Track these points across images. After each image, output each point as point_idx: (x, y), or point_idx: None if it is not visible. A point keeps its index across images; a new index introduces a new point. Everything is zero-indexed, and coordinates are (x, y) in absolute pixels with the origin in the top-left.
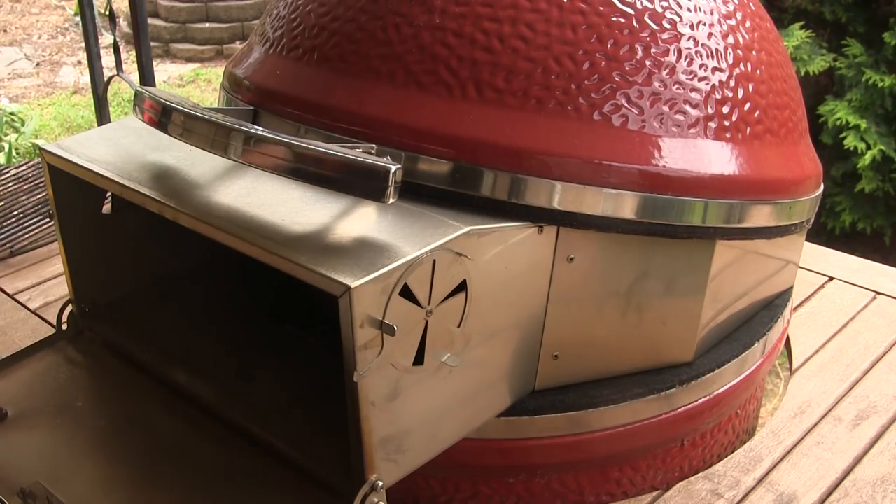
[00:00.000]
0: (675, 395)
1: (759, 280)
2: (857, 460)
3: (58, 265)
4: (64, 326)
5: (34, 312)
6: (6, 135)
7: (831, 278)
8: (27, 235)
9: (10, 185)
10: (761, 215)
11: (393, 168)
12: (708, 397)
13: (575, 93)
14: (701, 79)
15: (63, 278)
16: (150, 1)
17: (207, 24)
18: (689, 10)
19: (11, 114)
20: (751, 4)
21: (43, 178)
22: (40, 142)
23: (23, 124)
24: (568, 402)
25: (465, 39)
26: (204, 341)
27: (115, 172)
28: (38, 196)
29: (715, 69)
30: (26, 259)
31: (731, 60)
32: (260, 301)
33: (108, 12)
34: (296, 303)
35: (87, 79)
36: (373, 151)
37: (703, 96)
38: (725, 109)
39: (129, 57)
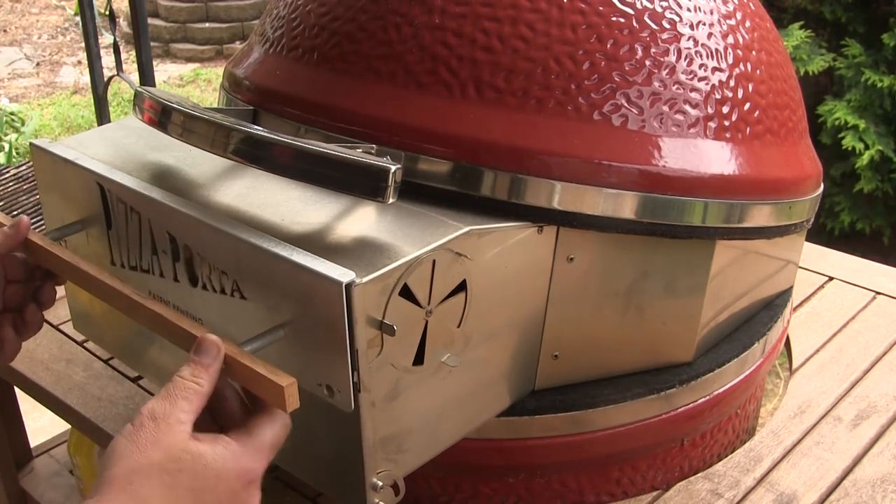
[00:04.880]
0: (675, 394)
1: (759, 280)
2: (857, 460)
3: None
4: None
5: None
6: (6, 135)
7: (831, 278)
8: None
9: (10, 185)
10: (761, 215)
11: (393, 168)
12: (708, 397)
13: (575, 93)
14: (701, 79)
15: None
16: (150, 1)
17: (207, 24)
18: (688, 10)
19: (11, 114)
20: (751, 4)
21: None
22: None
23: (23, 124)
24: (568, 402)
25: (465, 39)
26: None
27: None
28: (38, 196)
29: (715, 69)
30: None
31: (731, 60)
32: None
33: (108, 12)
34: None
35: (87, 79)
36: (373, 151)
37: (703, 96)
38: (725, 109)
39: (129, 57)
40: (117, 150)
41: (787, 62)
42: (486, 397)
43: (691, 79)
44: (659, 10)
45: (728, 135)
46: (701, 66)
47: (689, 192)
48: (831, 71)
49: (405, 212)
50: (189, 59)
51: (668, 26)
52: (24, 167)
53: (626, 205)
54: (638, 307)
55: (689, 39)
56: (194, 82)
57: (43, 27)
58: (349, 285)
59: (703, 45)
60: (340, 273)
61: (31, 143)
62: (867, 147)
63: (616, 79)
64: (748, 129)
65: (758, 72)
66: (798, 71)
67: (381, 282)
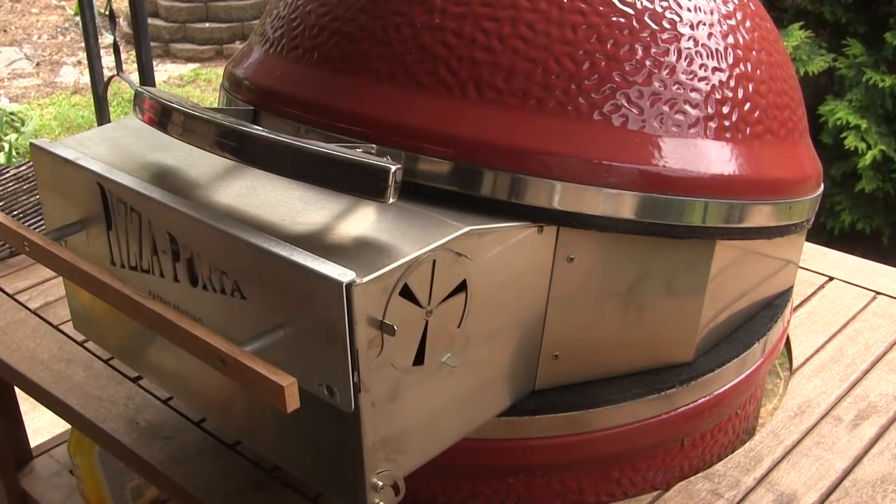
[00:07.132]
0: (675, 395)
1: (759, 280)
2: (857, 460)
3: None
4: None
5: (34, 312)
6: (6, 135)
7: (831, 278)
8: None
9: (10, 185)
10: (761, 215)
11: (393, 168)
12: (708, 397)
13: (575, 93)
14: (701, 79)
15: (62, 278)
16: (150, 1)
17: (207, 24)
18: (689, 10)
19: (11, 114)
20: (751, 4)
21: None
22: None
23: (23, 124)
24: (568, 402)
25: (465, 39)
26: None
27: None
28: (38, 196)
29: (715, 69)
30: (26, 259)
31: (731, 60)
32: None
33: (108, 12)
34: None
35: (87, 79)
36: (373, 151)
37: (703, 96)
38: (725, 109)
39: (129, 57)
40: (117, 150)
41: (787, 62)
42: (486, 397)
43: (691, 79)
44: (659, 10)
45: (728, 135)
46: (701, 66)
47: (689, 192)
48: (831, 71)
49: (405, 212)
50: (189, 59)
51: (668, 26)
52: (24, 167)
53: (626, 205)
54: (638, 307)
55: (689, 39)
56: (194, 82)
57: (43, 27)
58: (349, 285)
59: (703, 45)
60: (340, 273)
61: (31, 143)
62: (869, 147)
63: (616, 79)
64: (748, 130)
65: (758, 72)
66: (798, 71)
67: (381, 282)
